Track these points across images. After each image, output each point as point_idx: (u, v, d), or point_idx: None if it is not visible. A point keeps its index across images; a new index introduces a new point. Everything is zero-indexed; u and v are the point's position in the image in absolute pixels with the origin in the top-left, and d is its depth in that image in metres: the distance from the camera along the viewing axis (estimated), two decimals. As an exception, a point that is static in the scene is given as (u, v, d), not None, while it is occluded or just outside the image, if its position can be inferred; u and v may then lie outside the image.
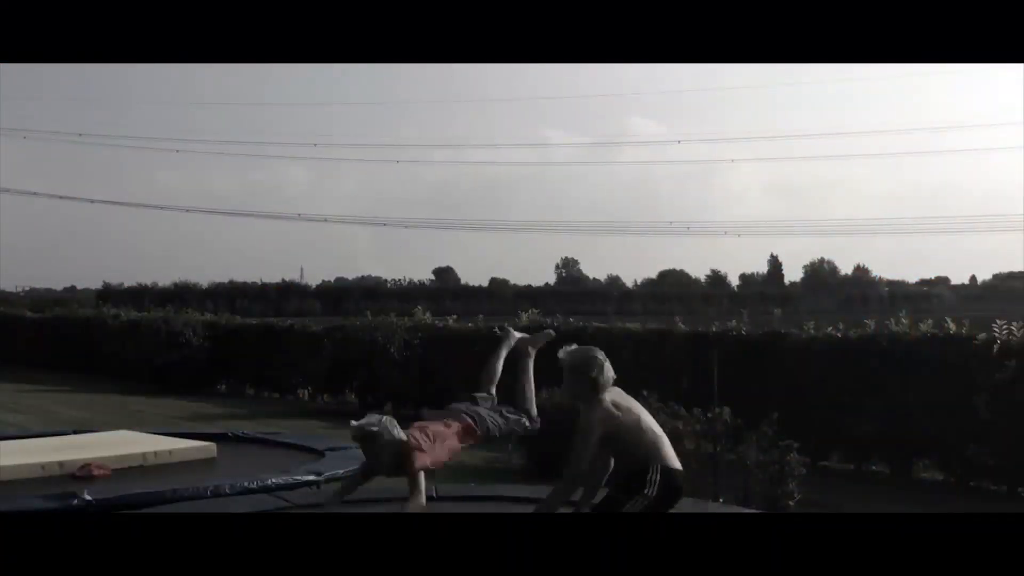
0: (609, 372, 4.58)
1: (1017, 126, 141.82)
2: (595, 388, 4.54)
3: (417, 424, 4.82)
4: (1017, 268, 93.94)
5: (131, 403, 15.95)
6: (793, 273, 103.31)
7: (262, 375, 17.93)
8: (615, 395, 4.58)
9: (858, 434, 9.94)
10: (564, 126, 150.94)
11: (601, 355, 4.62)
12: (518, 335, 5.53)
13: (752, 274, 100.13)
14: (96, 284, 58.51)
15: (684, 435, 7.62)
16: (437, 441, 4.69)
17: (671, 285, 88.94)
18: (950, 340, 9.45)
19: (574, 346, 4.73)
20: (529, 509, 5.77)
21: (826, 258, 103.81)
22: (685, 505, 5.97)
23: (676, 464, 4.48)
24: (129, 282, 56.02)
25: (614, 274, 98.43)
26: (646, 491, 4.32)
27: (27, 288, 60.66)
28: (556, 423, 9.39)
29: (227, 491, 5.96)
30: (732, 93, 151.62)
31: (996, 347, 8.96)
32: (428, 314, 16.45)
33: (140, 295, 47.34)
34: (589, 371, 4.55)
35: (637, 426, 4.50)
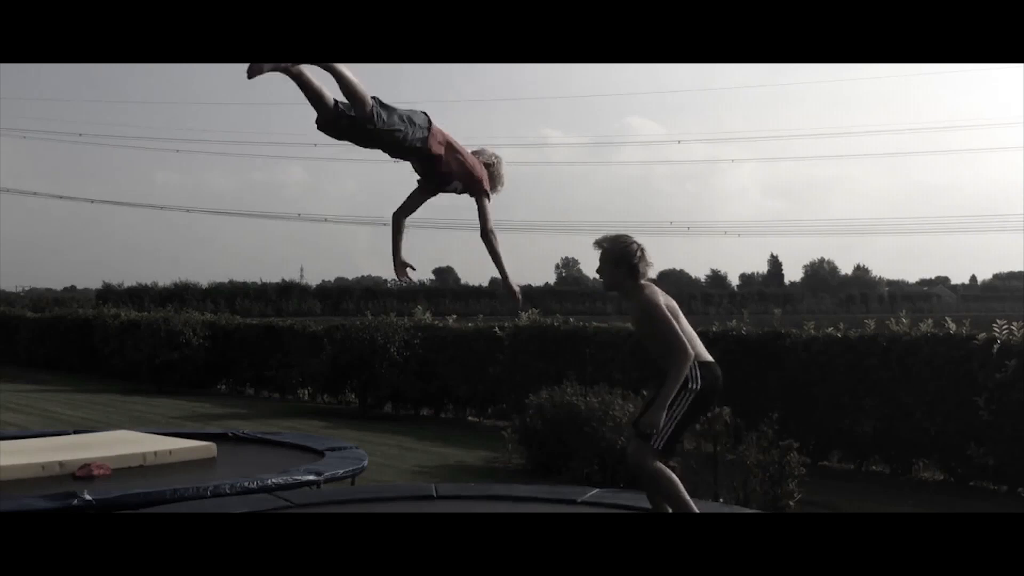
0: (649, 258, 4.55)
1: (1017, 126, 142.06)
2: (635, 275, 4.50)
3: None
4: (1017, 268, 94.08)
5: (131, 403, 15.94)
6: (793, 273, 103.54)
7: (262, 375, 17.91)
8: (655, 288, 4.55)
9: (858, 434, 9.94)
10: (564, 126, 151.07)
11: (639, 241, 4.58)
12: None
13: (752, 274, 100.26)
14: (96, 284, 58.56)
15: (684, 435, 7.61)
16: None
17: (671, 285, 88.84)
18: (950, 340, 9.45)
19: (609, 234, 4.66)
20: (529, 509, 5.77)
21: (826, 258, 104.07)
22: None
23: (709, 357, 4.49)
24: (129, 282, 55.99)
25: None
26: (690, 385, 4.34)
27: (27, 288, 60.71)
28: (556, 423, 9.42)
29: (227, 491, 5.96)
30: (732, 93, 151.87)
31: (996, 347, 8.95)
32: (428, 314, 16.45)
33: (140, 295, 47.33)
34: (630, 258, 4.50)
35: (680, 321, 4.49)
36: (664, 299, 4.53)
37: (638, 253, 4.51)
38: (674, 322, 4.40)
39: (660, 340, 4.45)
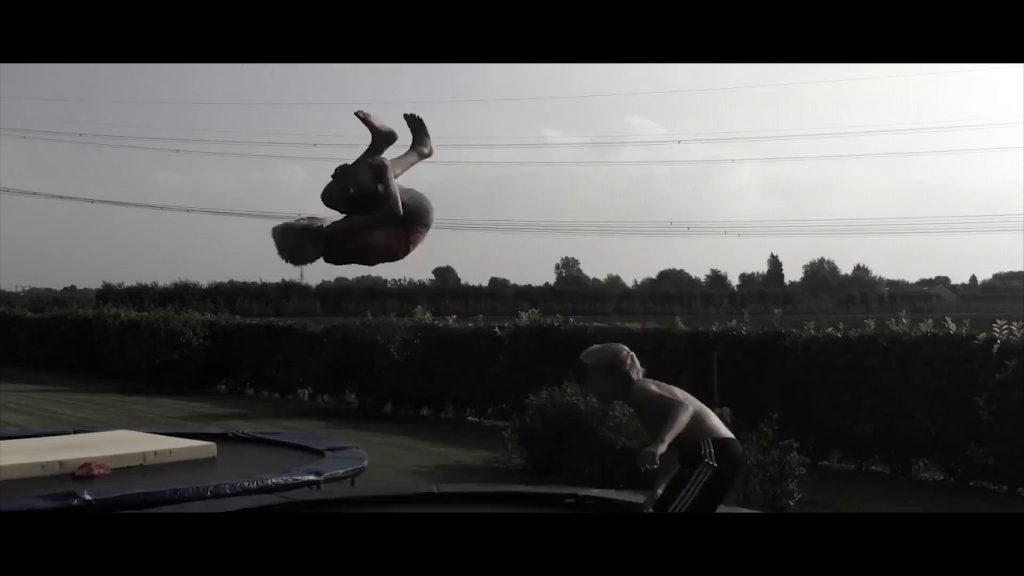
0: (638, 364, 4.55)
1: (1017, 126, 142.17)
2: (628, 382, 4.50)
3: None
4: (1017, 268, 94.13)
5: (131, 403, 15.95)
6: (793, 273, 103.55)
7: (262, 375, 17.93)
8: (644, 379, 4.56)
9: (858, 434, 9.94)
10: (564, 126, 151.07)
11: (627, 349, 4.59)
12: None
13: (752, 274, 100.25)
14: (96, 284, 58.55)
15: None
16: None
17: (671, 285, 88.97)
18: (950, 340, 9.45)
19: (595, 347, 4.68)
20: (529, 509, 5.77)
21: (826, 258, 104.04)
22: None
23: (726, 433, 4.44)
24: (129, 282, 56.01)
25: (614, 274, 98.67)
26: (706, 460, 4.28)
27: (27, 288, 60.76)
28: (556, 423, 9.42)
29: (227, 491, 5.96)
30: (732, 93, 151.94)
31: (996, 347, 8.96)
32: (428, 314, 16.46)
33: (140, 295, 47.32)
34: (620, 366, 4.51)
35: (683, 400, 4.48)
36: (656, 385, 4.52)
37: (628, 360, 4.52)
38: (664, 399, 4.37)
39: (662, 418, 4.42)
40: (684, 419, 4.27)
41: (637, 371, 4.53)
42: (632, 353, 4.56)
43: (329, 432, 12.01)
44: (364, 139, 4.51)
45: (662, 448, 4.11)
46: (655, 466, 4.14)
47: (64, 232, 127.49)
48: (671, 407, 4.29)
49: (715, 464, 4.26)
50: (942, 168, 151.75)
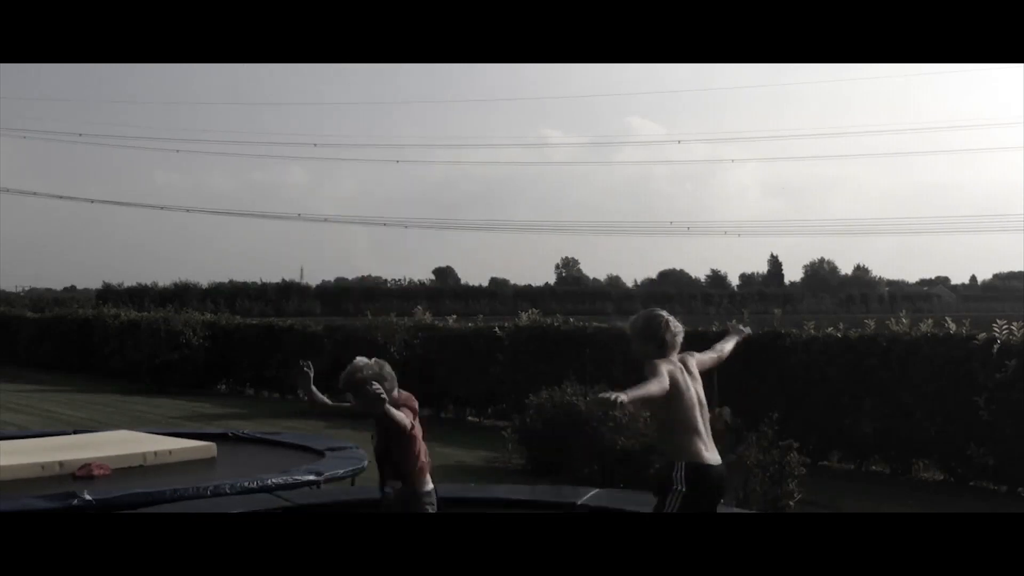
0: (677, 329, 4.55)
1: (1017, 126, 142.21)
2: (663, 348, 4.51)
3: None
4: (1017, 268, 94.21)
5: (131, 403, 15.95)
6: (793, 273, 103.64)
7: (262, 375, 17.92)
8: (682, 365, 4.53)
9: (858, 434, 9.94)
10: (564, 126, 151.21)
11: (666, 313, 4.59)
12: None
13: (752, 274, 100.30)
14: (96, 284, 58.62)
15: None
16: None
17: (671, 285, 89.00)
18: (950, 340, 9.44)
19: (639, 313, 4.72)
20: (528, 510, 5.77)
21: (826, 258, 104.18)
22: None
23: (705, 460, 4.36)
24: (129, 282, 56.04)
25: (614, 274, 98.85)
26: (675, 487, 4.24)
27: (27, 288, 60.76)
28: (556, 423, 9.42)
29: (227, 491, 5.96)
30: (732, 93, 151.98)
31: (996, 347, 8.95)
32: (428, 314, 16.45)
33: (140, 295, 47.34)
34: (657, 331, 4.52)
35: (681, 406, 4.41)
36: (673, 368, 4.46)
37: (663, 324, 4.54)
38: (657, 370, 4.33)
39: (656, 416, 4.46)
40: (652, 389, 4.24)
41: (673, 335, 4.54)
42: (669, 318, 4.55)
43: (329, 432, 12.00)
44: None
45: (623, 396, 4.04)
46: (615, 409, 4.15)
47: (64, 232, 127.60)
48: (649, 379, 4.27)
49: (682, 489, 4.18)
50: (942, 168, 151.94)
